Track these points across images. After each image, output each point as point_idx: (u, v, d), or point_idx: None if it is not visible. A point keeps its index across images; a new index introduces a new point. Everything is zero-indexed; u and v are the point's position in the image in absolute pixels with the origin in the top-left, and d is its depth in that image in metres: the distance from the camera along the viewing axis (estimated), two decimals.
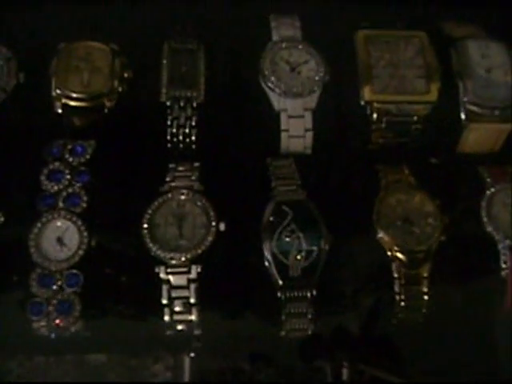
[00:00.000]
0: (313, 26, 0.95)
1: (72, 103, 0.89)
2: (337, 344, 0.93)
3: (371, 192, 0.88)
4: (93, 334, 0.84)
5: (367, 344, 0.94)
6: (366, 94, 0.91)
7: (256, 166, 0.90)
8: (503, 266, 0.86)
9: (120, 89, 0.90)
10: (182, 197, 0.84)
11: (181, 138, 0.89)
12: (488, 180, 0.90)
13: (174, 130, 0.89)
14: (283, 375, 0.93)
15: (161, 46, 0.92)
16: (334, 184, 0.92)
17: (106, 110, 0.89)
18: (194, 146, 0.89)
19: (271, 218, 0.84)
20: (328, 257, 0.83)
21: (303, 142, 0.90)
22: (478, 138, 0.93)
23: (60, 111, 0.89)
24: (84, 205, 0.83)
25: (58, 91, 0.89)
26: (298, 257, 0.82)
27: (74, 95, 0.89)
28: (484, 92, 0.92)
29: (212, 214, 0.83)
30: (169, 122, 0.89)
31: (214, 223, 0.83)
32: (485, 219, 0.87)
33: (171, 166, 0.87)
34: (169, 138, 0.89)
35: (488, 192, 0.89)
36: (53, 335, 0.82)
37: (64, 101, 0.89)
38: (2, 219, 0.83)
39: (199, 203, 0.84)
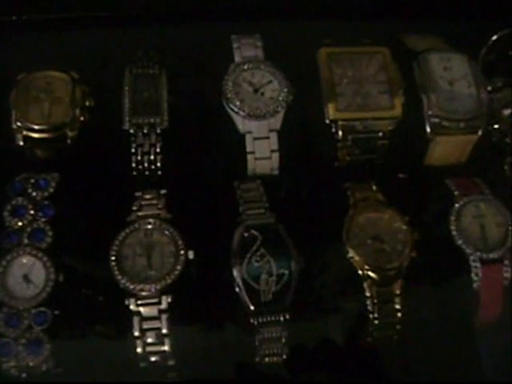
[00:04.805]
0: (275, 46, 0.95)
1: (34, 135, 0.88)
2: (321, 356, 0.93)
3: (340, 210, 0.88)
4: (64, 372, 0.82)
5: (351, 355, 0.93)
6: (331, 112, 0.91)
7: (223, 190, 0.89)
8: (474, 278, 0.86)
9: (82, 118, 0.89)
10: (149, 226, 0.83)
11: (146, 165, 0.88)
12: (456, 193, 0.90)
13: (139, 158, 0.88)
14: None
15: (122, 71, 0.91)
16: (303, 204, 0.92)
17: (68, 141, 0.88)
18: (159, 173, 0.89)
19: (240, 243, 0.83)
20: (299, 279, 0.82)
21: (270, 163, 0.89)
22: (444, 150, 0.93)
23: (22, 144, 0.88)
24: (49, 240, 0.82)
25: (19, 123, 0.88)
26: (269, 281, 0.82)
27: (36, 127, 0.87)
28: (448, 104, 0.92)
29: (180, 242, 0.82)
30: (133, 150, 0.88)
31: (182, 252, 0.82)
32: (454, 233, 0.87)
33: (137, 194, 0.86)
34: (134, 165, 0.88)
35: (456, 205, 0.89)
36: (24, 375, 0.80)
37: (25, 133, 0.88)
38: None
39: (167, 232, 0.83)
